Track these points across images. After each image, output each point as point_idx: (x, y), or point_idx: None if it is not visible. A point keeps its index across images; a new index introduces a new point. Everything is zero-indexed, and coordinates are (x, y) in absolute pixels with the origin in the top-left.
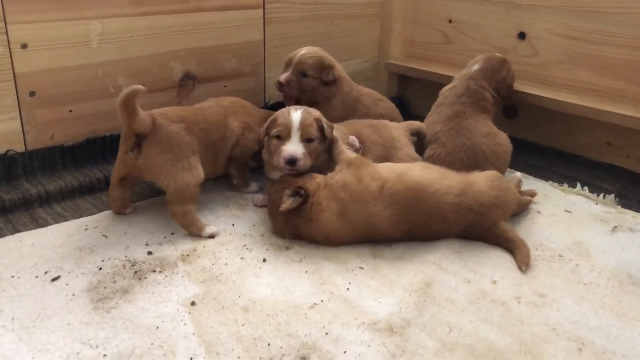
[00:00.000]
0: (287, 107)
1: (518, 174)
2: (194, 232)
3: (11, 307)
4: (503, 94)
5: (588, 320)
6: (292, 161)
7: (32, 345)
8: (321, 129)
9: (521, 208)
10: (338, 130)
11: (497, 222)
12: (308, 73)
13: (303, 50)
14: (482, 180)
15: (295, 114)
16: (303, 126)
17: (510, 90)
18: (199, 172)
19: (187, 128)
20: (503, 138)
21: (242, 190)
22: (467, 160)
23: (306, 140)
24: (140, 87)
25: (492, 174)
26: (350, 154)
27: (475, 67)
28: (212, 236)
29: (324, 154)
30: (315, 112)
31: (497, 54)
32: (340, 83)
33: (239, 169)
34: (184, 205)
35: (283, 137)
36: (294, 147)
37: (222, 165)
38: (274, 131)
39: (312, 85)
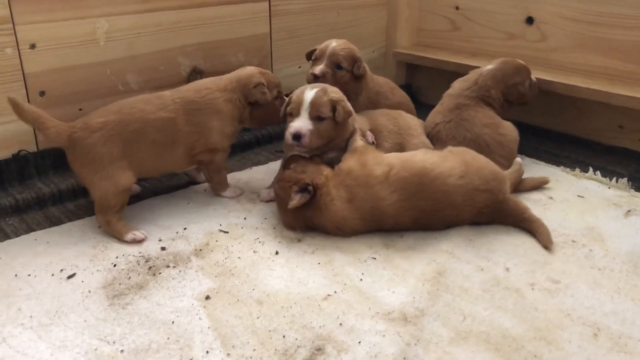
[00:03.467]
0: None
1: (518, 159)
2: (119, 237)
3: (29, 305)
4: (512, 100)
5: (603, 305)
6: (297, 136)
7: (50, 342)
8: (334, 109)
9: (518, 175)
10: (360, 122)
11: (506, 191)
12: (342, 65)
13: (334, 43)
14: (473, 157)
15: (309, 92)
16: (313, 104)
17: (524, 100)
18: (120, 181)
19: (109, 135)
20: (507, 127)
21: (218, 195)
22: None
23: (316, 118)
24: (14, 98)
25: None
26: (357, 143)
27: (490, 67)
28: (136, 241)
29: (342, 143)
30: (335, 94)
31: (519, 61)
32: (365, 79)
33: (211, 174)
34: (106, 215)
35: (294, 114)
36: (299, 123)
37: (179, 164)
38: (288, 108)
39: (345, 79)
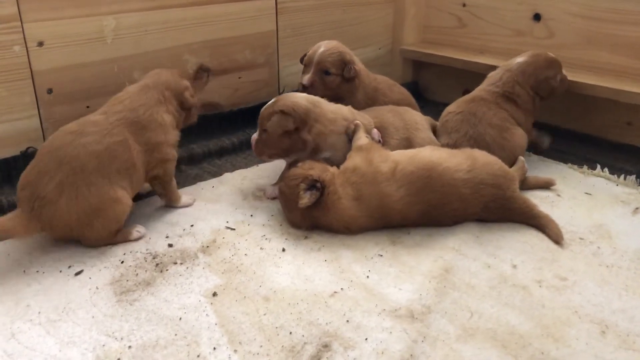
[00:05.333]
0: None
1: (521, 158)
2: (126, 240)
3: (37, 301)
4: (542, 94)
5: (611, 302)
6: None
7: (59, 338)
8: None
9: (521, 172)
10: (363, 119)
11: (515, 189)
12: (330, 71)
13: (322, 47)
14: (480, 153)
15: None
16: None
17: (555, 94)
18: (117, 210)
19: (74, 195)
20: (514, 133)
21: (174, 206)
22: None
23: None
24: None
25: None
26: (362, 140)
27: (519, 60)
28: (141, 235)
29: (348, 146)
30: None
31: (550, 54)
32: (360, 76)
33: (165, 187)
34: (110, 239)
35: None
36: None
37: (142, 180)
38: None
39: (336, 83)
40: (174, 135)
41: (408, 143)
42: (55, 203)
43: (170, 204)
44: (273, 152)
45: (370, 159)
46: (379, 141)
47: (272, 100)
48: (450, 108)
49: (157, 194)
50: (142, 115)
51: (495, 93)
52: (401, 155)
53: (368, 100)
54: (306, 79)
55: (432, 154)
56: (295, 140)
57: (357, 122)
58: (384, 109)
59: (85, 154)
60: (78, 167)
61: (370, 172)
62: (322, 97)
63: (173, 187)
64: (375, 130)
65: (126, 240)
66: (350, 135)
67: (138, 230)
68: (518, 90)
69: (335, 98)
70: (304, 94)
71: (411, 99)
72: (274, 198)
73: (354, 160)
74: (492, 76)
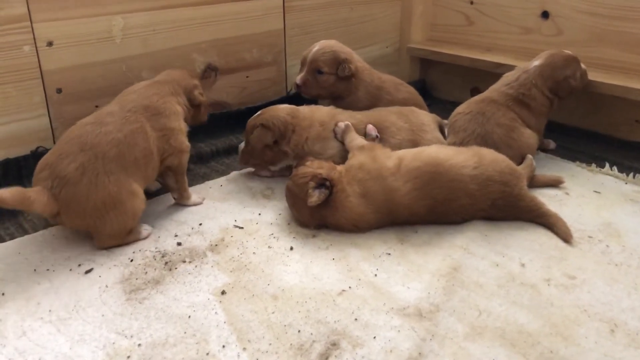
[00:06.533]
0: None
1: (529, 156)
2: (137, 239)
3: (47, 299)
4: (562, 95)
5: (620, 301)
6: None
7: (69, 335)
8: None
9: (529, 170)
10: (352, 119)
11: (523, 187)
12: (323, 70)
13: (317, 46)
14: (488, 151)
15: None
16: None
17: (575, 92)
18: (132, 206)
19: (94, 179)
20: (523, 133)
21: (185, 204)
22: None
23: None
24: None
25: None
26: (361, 141)
27: (536, 62)
28: (149, 233)
29: (341, 145)
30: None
31: (566, 52)
32: (360, 74)
33: (178, 180)
34: (123, 238)
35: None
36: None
37: (155, 173)
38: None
39: (330, 82)
40: (185, 126)
41: (413, 145)
42: (75, 184)
43: (181, 200)
44: (257, 162)
45: (374, 156)
46: (377, 136)
47: (258, 113)
48: (460, 109)
49: (169, 188)
50: (156, 102)
51: (507, 95)
52: (406, 152)
53: (371, 99)
54: (299, 78)
55: (438, 151)
56: (276, 152)
57: (346, 123)
58: (388, 109)
59: (106, 142)
60: (100, 153)
61: (375, 168)
62: (317, 95)
63: (185, 182)
64: (370, 126)
65: (137, 239)
66: (340, 138)
67: (145, 228)
68: (534, 92)
69: (334, 97)
70: (287, 105)
71: (418, 98)
72: (265, 176)
73: (358, 158)
74: (507, 76)
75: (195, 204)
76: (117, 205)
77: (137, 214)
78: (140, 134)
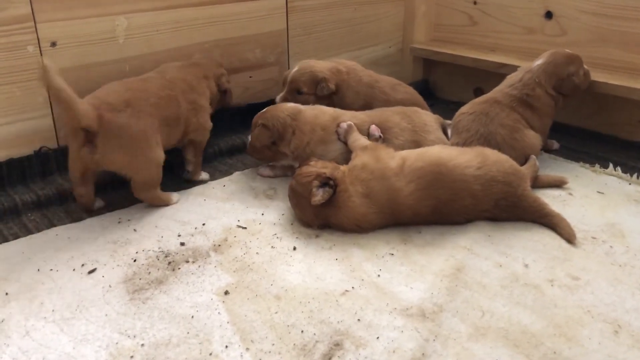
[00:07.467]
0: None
1: (533, 156)
2: (166, 204)
3: (51, 299)
4: (566, 93)
5: (624, 302)
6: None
7: (72, 335)
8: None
9: (533, 171)
10: (355, 119)
11: (526, 187)
12: (302, 90)
13: (296, 68)
14: (492, 151)
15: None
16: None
17: (578, 91)
18: (158, 156)
19: (136, 112)
20: (526, 134)
21: (194, 179)
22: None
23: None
24: (48, 64)
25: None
26: (364, 141)
27: (539, 61)
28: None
29: (344, 147)
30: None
31: (568, 50)
32: (345, 82)
33: (197, 155)
34: (153, 191)
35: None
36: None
37: (175, 140)
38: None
39: (310, 101)
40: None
41: (416, 145)
42: (119, 112)
43: (194, 175)
44: (260, 157)
45: (377, 156)
46: (380, 136)
47: (263, 110)
48: (463, 109)
49: (185, 160)
50: (191, 80)
51: (511, 96)
52: (409, 153)
53: (360, 101)
54: (278, 97)
55: (441, 151)
56: (275, 152)
57: (349, 123)
58: (391, 110)
59: (148, 90)
60: (143, 95)
61: (378, 168)
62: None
63: (201, 158)
64: (373, 126)
65: (168, 203)
66: (343, 139)
67: (175, 195)
68: (538, 92)
69: (327, 103)
70: (290, 105)
71: (418, 99)
72: (267, 176)
73: (362, 158)
74: (511, 77)
75: (203, 181)
76: (146, 148)
77: (160, 166)
78: (174, 100)
